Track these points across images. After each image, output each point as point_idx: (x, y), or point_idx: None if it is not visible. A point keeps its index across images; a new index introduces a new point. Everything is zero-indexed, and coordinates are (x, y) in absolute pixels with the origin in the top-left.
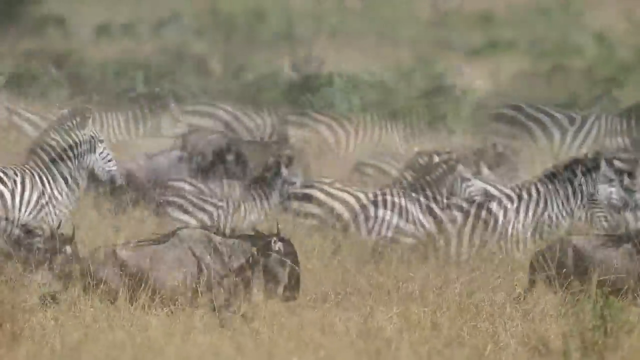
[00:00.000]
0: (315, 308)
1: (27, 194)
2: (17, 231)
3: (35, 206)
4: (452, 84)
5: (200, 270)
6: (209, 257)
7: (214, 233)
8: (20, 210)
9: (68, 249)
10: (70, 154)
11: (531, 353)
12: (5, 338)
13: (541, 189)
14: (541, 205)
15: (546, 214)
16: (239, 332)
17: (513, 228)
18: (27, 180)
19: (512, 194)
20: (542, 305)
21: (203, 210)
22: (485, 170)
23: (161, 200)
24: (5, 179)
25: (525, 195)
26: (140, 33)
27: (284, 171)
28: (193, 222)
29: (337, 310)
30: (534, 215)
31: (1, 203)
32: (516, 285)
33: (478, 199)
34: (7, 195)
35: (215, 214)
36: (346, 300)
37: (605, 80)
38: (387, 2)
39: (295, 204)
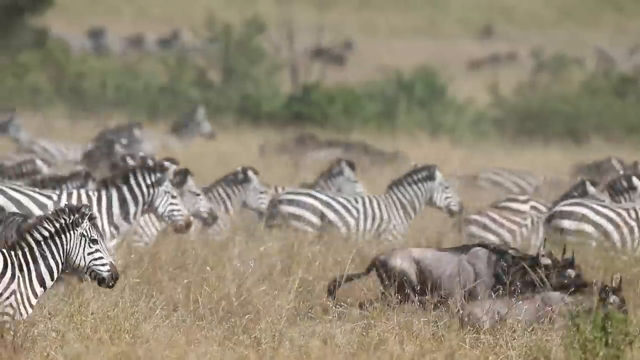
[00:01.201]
0: (317, 319)
1: (369, 220)
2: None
3: (376, 231)
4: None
5: None
6: None
7: None
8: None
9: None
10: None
11: None
12: (6, 350)
13: None
14: None
15: None
16: (240, 343)
17: None
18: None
19: None
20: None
21: (505, 227)
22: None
23: (464, 219)
24: (338, 207)
25: None
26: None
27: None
28: (495, 239)
29: (339, 321)
30: None
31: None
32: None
33: None
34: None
35: (518, 232)
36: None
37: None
38: None
39: (565, 223)
